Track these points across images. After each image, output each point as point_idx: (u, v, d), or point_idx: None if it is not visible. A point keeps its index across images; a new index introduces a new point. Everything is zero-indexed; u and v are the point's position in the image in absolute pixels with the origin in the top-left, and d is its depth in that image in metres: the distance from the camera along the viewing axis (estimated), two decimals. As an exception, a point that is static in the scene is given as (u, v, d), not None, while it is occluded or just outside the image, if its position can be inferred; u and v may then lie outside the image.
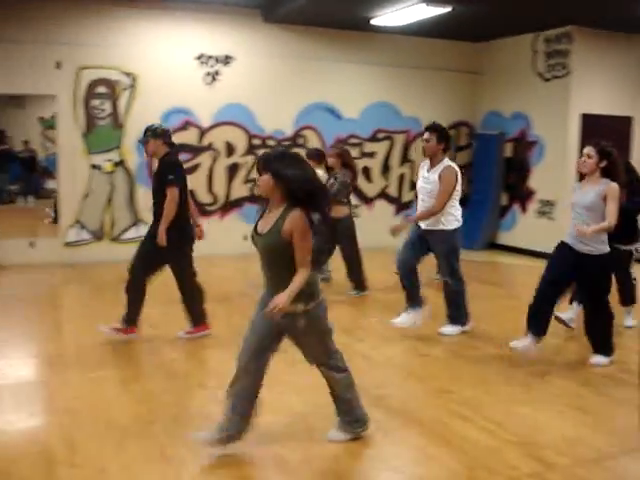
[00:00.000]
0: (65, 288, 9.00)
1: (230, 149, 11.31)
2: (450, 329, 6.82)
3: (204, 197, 11.24)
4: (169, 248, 6.21)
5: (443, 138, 6.56)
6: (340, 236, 8.40)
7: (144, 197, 10.78)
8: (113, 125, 10.56)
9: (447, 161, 6.55)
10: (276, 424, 4.57)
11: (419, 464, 4.09)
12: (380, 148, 12.49)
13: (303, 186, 3.79)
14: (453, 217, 6.58)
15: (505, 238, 12.31)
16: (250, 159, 11.38)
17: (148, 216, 10.65)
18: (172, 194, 6.15)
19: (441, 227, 6.56)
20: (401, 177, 12.70)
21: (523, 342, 5.97)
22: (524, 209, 12.27)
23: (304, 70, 11.64)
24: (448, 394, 5.25)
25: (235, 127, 11.31)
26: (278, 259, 3.88)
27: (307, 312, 3.91)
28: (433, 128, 6.60)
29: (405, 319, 6.85)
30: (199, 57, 10.94)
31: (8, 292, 8.66)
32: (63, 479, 3.80)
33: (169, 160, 6.34)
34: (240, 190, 11.44)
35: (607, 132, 11.49)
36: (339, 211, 8.26)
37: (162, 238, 6.13)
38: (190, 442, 4.17)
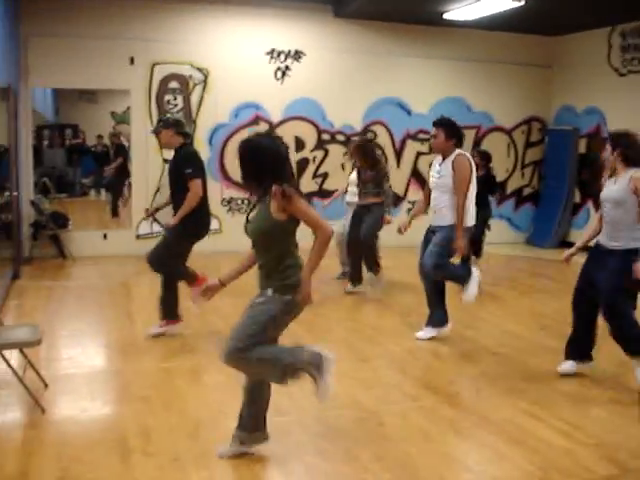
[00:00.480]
0: (137, 279, 9.14)
1: (299, 144, 11.34)
2: (423, 333, 6.52)
3: (274, 192, 11.28)
4: (181, 234, 6.19)
5: (453, 134, 6.14)
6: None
7: (215, 191, 10.93)
8: (185, 120, 10.67)
9: (458, 150, 6.16)
10: (345, 418, 4.58)
11: (492, 463, 4.03)
12: (450, 143, 12.33)
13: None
14: (468, 213, 6.20)
15: (578, 236, 12.05)
16: (319, 154, 11.40)
17: (218, 209, 10.87)
18: (195, 188, 6.09)
19: (449, 223, 6.17)
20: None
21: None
22: (597, 206, 11.94)
23: (374, 65, 11.59)
24: (519, 393, 5.17)
25: (305, 122, 11.34)
26: (270, 243, 3.78)
27: (286, 300, 3.74)
28: (440, 123, 6.17)
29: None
30: (270, 52, 11.00)
31: (82, 283, 8.87)
32: (137, 467, 3.86)
33: (186, 151, 6.29)
34: (309, 185, 11.45)
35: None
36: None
37: (175, 221, 6.11)
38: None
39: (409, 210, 10.65)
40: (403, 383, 5.34)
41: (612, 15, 10.76)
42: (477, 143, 12.43)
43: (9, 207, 8.93)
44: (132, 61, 10.34)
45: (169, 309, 6.44)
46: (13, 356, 4.90)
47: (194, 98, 10.73)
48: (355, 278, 8.33)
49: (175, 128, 6.24)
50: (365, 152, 8.31)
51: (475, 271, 6.26)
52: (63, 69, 10.02)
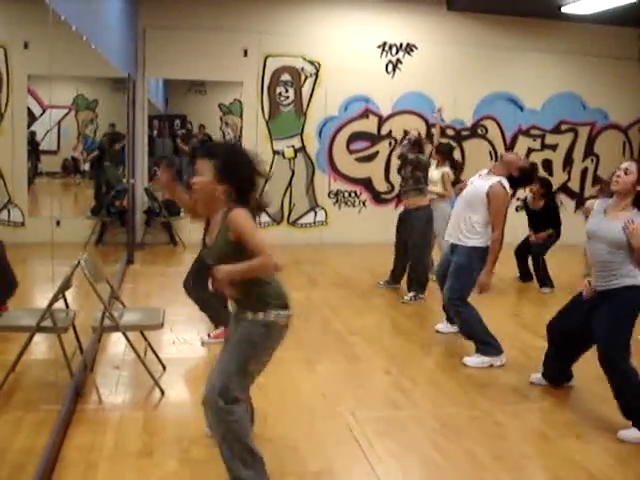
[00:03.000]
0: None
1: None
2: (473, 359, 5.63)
3: (380, 185, 11.29)
4: None
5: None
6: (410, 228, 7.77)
7: (322, 183, 11.01)
8: (296, 112, 10.80)
9: None
10: (460, 416, 4.53)
11: (613, 469, 3.89)
12: (563, 140, 12.05)
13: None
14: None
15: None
16: (428, 148, 11.29)
17: (325, 201, 10.93)
18: None
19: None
20: (584, 171, 12.20)
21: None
22: None
23: (486, 59, 11.40)
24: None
25: (414, 116, 11.26)
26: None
27: (267, 322, 3.35)
28: None
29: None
30: (381, 45, 10.97)
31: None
32: (257, 452, 3.91)
33: None
34: (416, 179, 11.39)
35: None
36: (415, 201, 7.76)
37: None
38: (375, 426, 4.22)
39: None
40: (518, 383, 5.24)
41: None
42: (591, 141, 12.09)
43: (125, 194, 9.22)
44: (245, 53, 10.49)
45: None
46: (132, 338, 5.02)
47: (305, 91, 10.80)
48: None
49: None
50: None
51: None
52: (178, 60, 10.25)
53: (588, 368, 5.56)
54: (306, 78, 10.76)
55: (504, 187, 5.46)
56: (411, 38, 11.05)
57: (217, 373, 3.33)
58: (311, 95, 10.81)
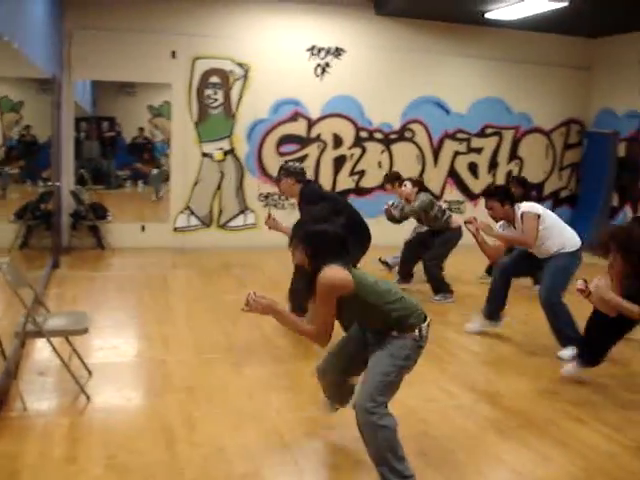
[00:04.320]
0: (174, 272, 9.25)
1: (337, 141, 11.36)
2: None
3: (310, 188, 11.33)
4: None
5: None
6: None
7: (252, 185, 11.00)
8: (225, 114, 10.76)
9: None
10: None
11: (537, 466, 4.01)
12: (488, 144, 12.31)
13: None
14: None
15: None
16: (357, 151, 11.42)
17: (255, 204, 10.93)
18: None
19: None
20: (509, 174, 12.48)
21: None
22: (635, 211, 11.89)
23: (414, 63, 11.56)
24: (558, 395, 5.16)
25: (343, 119, 11.35)
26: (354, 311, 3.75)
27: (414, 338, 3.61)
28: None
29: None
30: (310, 49, 11.01)
31: (121, 274, 8.96)
32: (183, 456, 3.91)
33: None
34: (346, 182, 11.48)
35: None
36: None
37: None
38: (305, 425, 4.26)
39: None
40: (440, 380, 5.35)
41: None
42: (515, 144, 12.40)
43: (50, 197, 9.05)
44: (174, 55, 10.40)
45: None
46: (57, 343, 4.94)
47: (234, 93, 10.77)
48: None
49: (295, 177, 6.43)
50: None
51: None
52: (106, 62, 10.10)
53: (507, 367, 5.74)
54: (235, 80, 10.73)
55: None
56: (340, 42, 11.13)
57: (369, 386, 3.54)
58: (240, 97, 10.79)
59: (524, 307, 7.47)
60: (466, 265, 9.21)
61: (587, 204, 12.32)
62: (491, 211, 6.22)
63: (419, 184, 8.40)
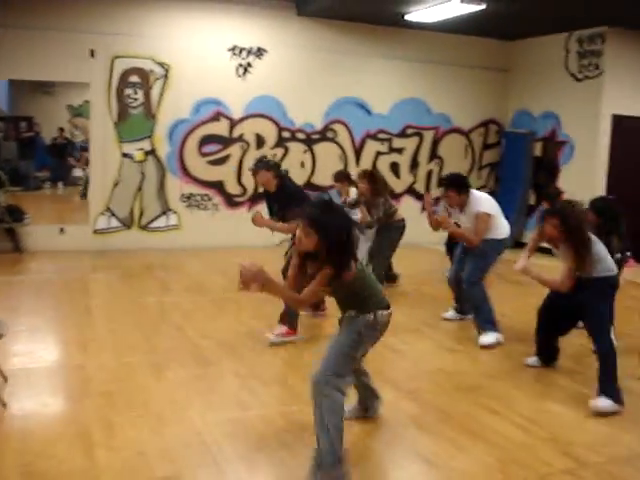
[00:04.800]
0: (94, 274, 9.09)
1: (260, 141, 11.35)
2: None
3: (233, 188, 11.30)
4: None
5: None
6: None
7: (174, 186, 10.89)
8: (145, 114, 10.63)
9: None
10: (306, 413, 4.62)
11: (453, 457, 4.10)
12: (409, 144, 12.48)
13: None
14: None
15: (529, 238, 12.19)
16: (280, 151, 11.42)
17: (177, 205, 10.83)
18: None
19: None
20: (429, 173, 12.68)
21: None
22: (552, 209, 12.20)
23: (336, 64, 11.64)
24: (478, 389, 5.28)
25: (265, 119, 11.35)
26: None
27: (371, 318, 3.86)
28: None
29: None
30: (232, 49, 10.98)
31: (39, 277, 8.75)
32: (102, 461, 3.85)
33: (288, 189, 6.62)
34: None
35: (638, 134, 11.46)
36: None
37: None
38: (225, 426, 4.26)
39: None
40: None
41: (570, 21, 10.96)
42: (435, 144, 12.61)
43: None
44: (92, 54, 10.22)
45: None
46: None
47: (154, 93, 10.65)
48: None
49: (274, 171, 6.53)
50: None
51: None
52: (22, 61, 9.85)
53: (427, 362, 5.84)
54: (156, 80, 10.61)
55: None
56: (261, 42, 11.12)
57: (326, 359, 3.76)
58: (161, 97, 10.67)
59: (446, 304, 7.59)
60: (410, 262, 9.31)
61: (505, 202, 12.52)
62: (448, 199, 6.67)
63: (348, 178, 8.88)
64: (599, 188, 11.29)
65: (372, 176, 8.30)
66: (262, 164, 6.60)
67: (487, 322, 6.44)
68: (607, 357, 4.95)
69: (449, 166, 12.56)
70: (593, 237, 5.08)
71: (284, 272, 6.30)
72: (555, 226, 5.00)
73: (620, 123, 11.30)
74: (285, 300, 3.90)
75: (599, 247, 5.10)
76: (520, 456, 4.13)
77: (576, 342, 6.05)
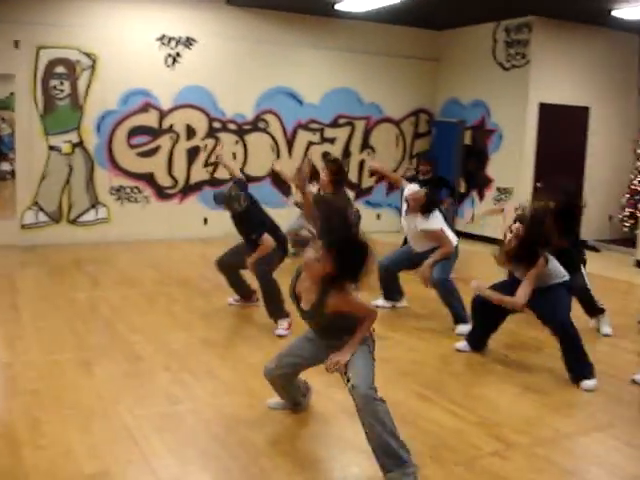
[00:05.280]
0: (22, 270, 8.88)
1: (190, 132, 11.24)
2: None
3: (164, 180, 11.17)
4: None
5: None
6: None
7: (103, 179, 10.71)
8: (72, 106, 10.41)
9: None
10: (237, 405, 4.61)
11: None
12: (341, 134, 12.52)
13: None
14: None
15: (462, 225, 12.42)
16: (210, 142, 11.33)
17: (106, 198, 10.66)
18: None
19: None
20: (361, 163, 12.75)
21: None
22: (482, 196, 12.43)
23: (266, 54, 11.59)
24: (409, 376, 5.33)
25: (195, 110, 11.24)
26: (333, 327, 4.00)
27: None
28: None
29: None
30: (160, 38, 10.82)
31: (-36, 274, 8.53)
32: (28, 460, 3.77)
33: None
34: (200, 173, 11.39)
35: (564, 122, 11.72)
36: None
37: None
38: (155, 421, 4.22)
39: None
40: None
41: (497, 11, 11.13)
42: (367, 134, 12.68)
43: None
44: (16, 45, 9.95)
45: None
46: None
47: (81, 84, 10.44)
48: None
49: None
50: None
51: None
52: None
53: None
54: (82, 71, 10.40)
55: None
56: (190, 32, 11.00)
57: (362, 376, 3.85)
58: (88, 88, 10.46)
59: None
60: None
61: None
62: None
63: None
64: (527, 175, 11.53)
65: (337, 165, 7.87)
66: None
67: (459, 315, 6.68)
68: (566, 334, 5.22)
69: (381, 155, 12.65)
70: (549, 255, 5.35)
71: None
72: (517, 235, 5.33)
73: (547, 111, 11.53)
74: (367, 331, 3.98)
75: (553, 263, 5.39)
76: (450, 441, 4.20)
77: (505, 327, 6.15)
